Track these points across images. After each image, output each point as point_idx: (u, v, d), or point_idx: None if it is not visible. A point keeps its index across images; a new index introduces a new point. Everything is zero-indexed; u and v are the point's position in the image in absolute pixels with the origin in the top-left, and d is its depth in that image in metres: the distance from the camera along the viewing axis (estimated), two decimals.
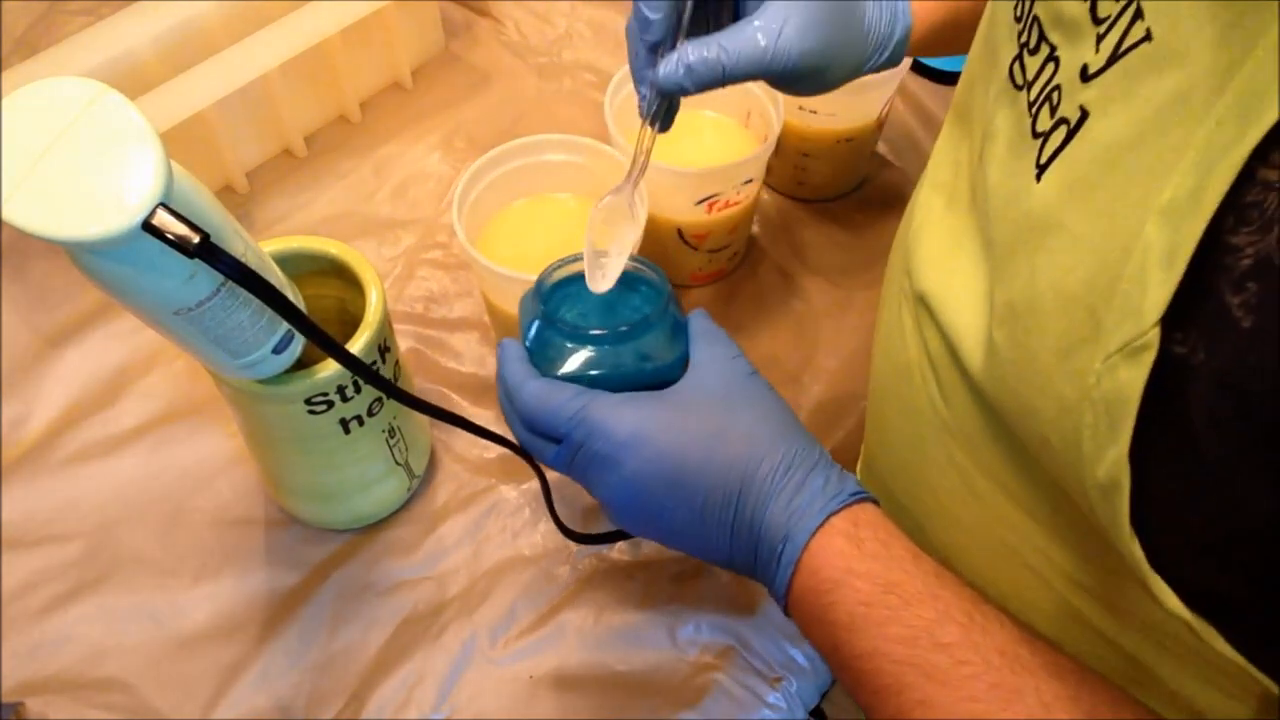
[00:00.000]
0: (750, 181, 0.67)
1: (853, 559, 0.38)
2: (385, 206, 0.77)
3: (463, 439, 0.65)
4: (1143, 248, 0.28)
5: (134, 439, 0.64)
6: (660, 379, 0.43)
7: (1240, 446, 0.27)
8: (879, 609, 0.37)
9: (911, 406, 0.46)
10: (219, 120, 0.71)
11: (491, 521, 0.62)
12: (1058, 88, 0.34)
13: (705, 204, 0.66)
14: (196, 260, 0.35)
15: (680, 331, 0.45)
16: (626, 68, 0.67)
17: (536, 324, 0.45)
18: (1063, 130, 0.33)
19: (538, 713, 0.55)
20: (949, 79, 0.86)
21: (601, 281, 0.45)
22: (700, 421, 0.41)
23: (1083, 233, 0.31)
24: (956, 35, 0.54)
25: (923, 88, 0.86)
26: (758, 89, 0.67)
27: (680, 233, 0.69)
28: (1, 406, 0.65)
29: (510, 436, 0.47)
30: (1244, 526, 0.28)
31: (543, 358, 0.44)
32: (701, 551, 0.42)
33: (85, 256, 0.36)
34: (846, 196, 0.80)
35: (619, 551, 0.60)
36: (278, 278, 0.46)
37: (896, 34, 0.52)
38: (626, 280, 0.47)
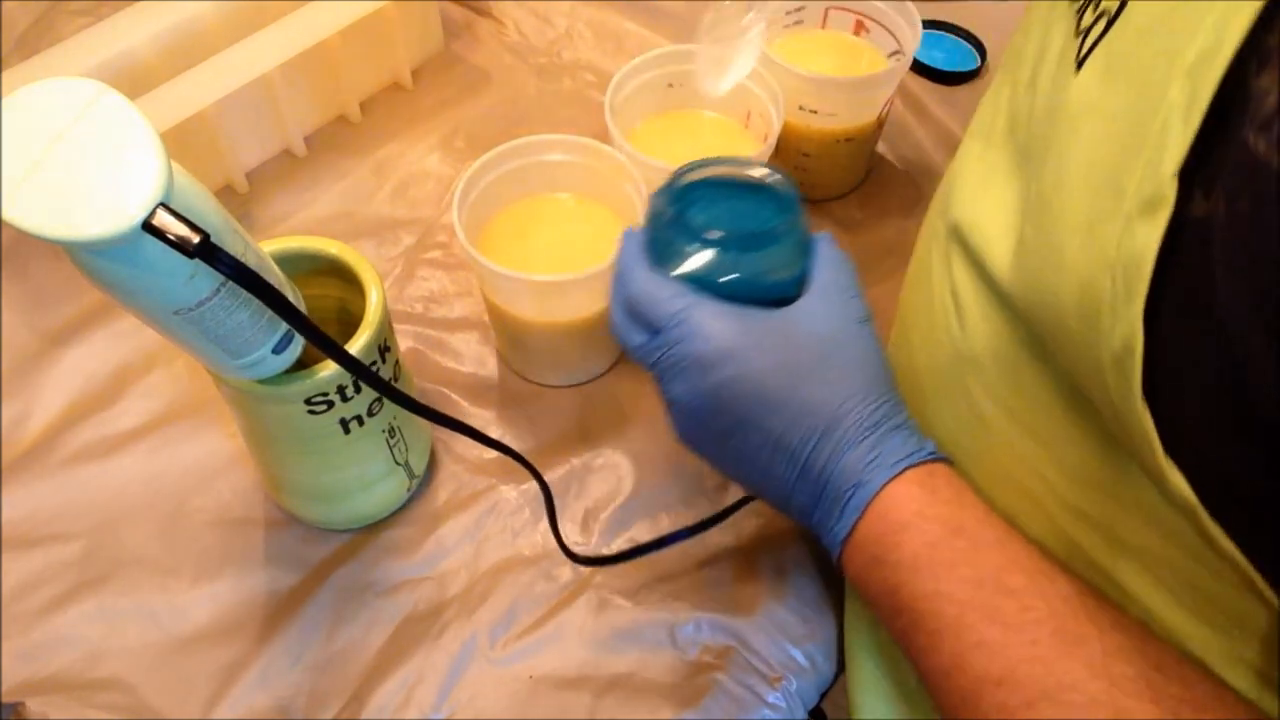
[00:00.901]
0: None
1: (925, 503, 0.38)
2: (385, 206, 0.77)
3: (463, 439, 0.65)
4: (1166, 108, 0.28)
5: (134, 439, 0.64)
6: (776, 294, 0.43)
7: (1259, 310, 0.27)
8: (946, 550, 0.37)
9: (931, 340, 0.46)
10: (219, 120, 0.71)
11: (491, 521, 0.62)
12: None
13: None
14: (196, 260, 0.35)
15: (804, 250, 0.45)
16: (627, 68, 0.68)
17: (663, 219, 0.44)
18: (1102, 22, 0.33)
19: (538, 713, 0.55)
20: (949, 79, 0.86)
21: (718, 83, 0.45)
22: (802, 352, 0.41)
23: (1112, 108, 0.31)
24: None
25: (923, 88, 0.86)
26: (758, 88, 0.67)
27: None
28: (1, 406, 0.65)
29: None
30: (1251, 400, 0.28)
31: (663, 254, 0.44)
32: (759, 482, 0.42)
33: (85, 256, 0.36)
34: (846, 196, 0.80)
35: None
36: (278, 278, 0.46)
37: None
38: (757, 190, 0.46)
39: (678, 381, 0.42)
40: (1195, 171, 0.28)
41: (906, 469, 0.39)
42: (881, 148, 0.82)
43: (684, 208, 0.46)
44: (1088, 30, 0.34)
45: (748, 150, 0.69)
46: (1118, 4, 0.33)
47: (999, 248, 0.39)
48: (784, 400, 0.40)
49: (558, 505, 0.62)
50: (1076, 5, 0.37)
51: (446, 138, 0.81)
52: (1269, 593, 0.31)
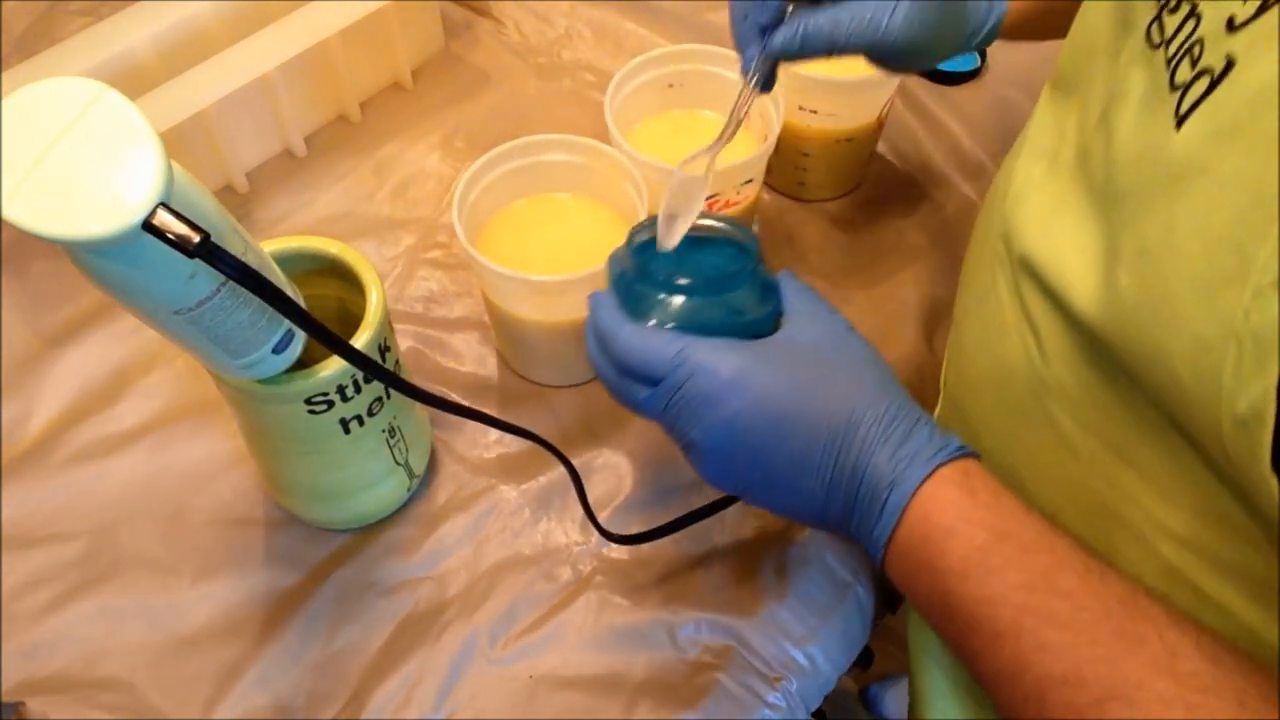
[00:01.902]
0: (750, 181, 0.67)
1: (966, 507, 0.38)
2: (385, 206, 0.77)
3: (463, 439, 0.65)
4: None
5: (134, 439, 0.64)
6: (753, 333, 0.44)
7: None
8: (995, 555, 0.37)
9: (1005, 367, 0.46)
10: (219, 120, 0.71)
11: (491, 521, 0.62)
12: (1200, 41, 0.34)
13: (705, 204, 0.66)
14: (196, 260, 0.35)
15: (771, 290, 0.46)
16: (626, 68, 0.68)
17: (628, 275, 0.45)
18: (1205, 80, 0.33)
19: (538, 713, 0.55)
20: (949, 79, 0.86)
21: (669, 239, 0.46)
22: (804, 367, 0.41)
23: (1230, 175, 0.31)
24: (1051, 21, 0.55)
25: (923, 88, 0.86)
26: None
27: None
28: (1, 406, 0.65)
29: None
30: None
31: (635, 310, 0.44)
32: (793, 503, 0.42)
33: (85, 256, 0.36)
34: (846, 196, 0.80)
35: (619, 552, 0.60)
36: (278, 277, 0.46)
37: (992, 18, 0.53)
38: (714, 241, 0.47)
39: (692, 423, 0.42)
40: None
41: (939, 466, 0.39)
42: (881, 148, 0.82)
43: (647, 260, 0.46)
44: (1186, 86, 0.34)
45: (748, 150, 0.69)
46: (1224, 64, 0.33)
47: (1082, 288, 0.39)
48: (799, 417, 0.40)
49: (558, 505, 0.62)
50: (1164, 54, 0.36)
51: (446, 138, 0.81)
52: None
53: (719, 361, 0.41)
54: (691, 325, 0.43)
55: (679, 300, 0.44)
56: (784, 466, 0.41)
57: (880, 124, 0.76)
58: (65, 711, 0.54)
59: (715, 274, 0.45)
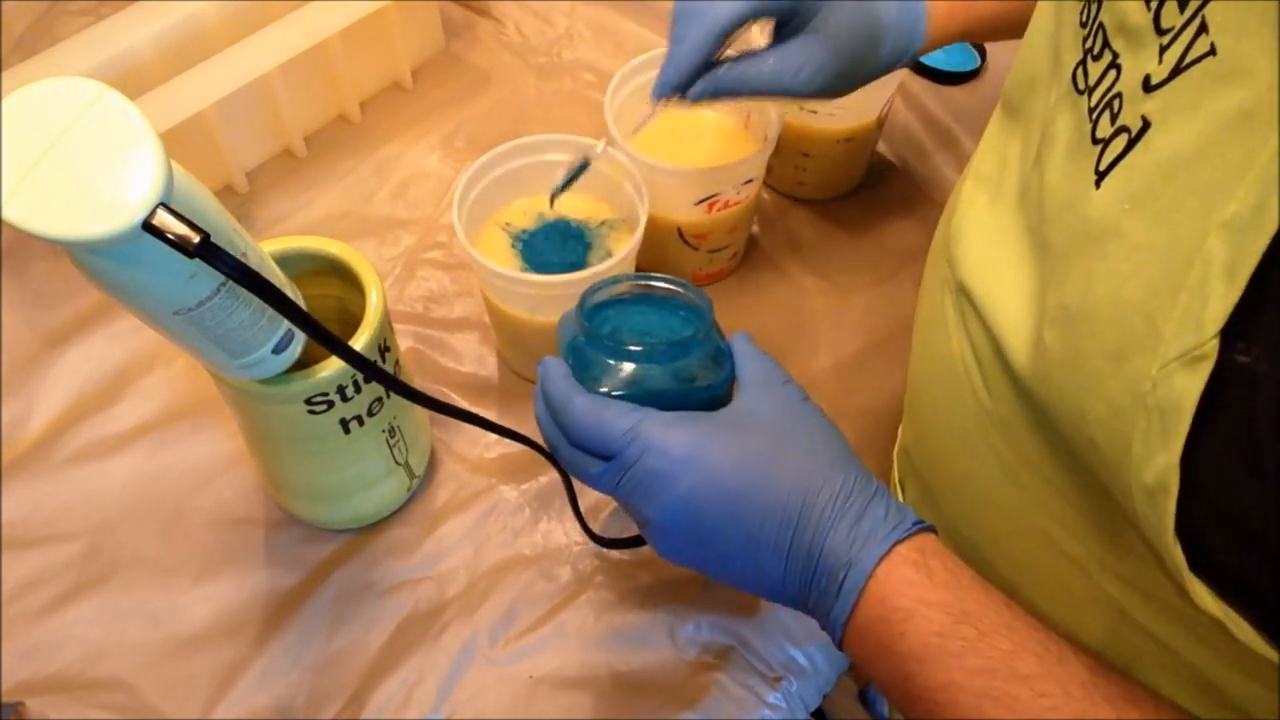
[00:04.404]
0: (750, 181, 0.67)
1: (924, 588, 0.37)
2: (385, 206, 0.77)
3: (463, 439, 0.65)
4: (1204, 260, 0.28)
5: (134, 439, 0.64)
6: (708, 399, 0.43)
7: None
8: (954, 640, 0.36)
9: (953, 395, 0.46)
10: (219, 120, 0.71)
11: (491, 521, 0.62)
12: (1119, 95, 0.34)
13: (705, 204, 0.66)
14: (196, 260, 0.35)
15: (724, 356, 0.45)
16: (626, 68, 0.68)
17: (579, 341, 0.44)
18: (1123, 139, 0.33)
19: (538, 713, 0.55)
20: (949, 79, 0.86)
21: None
22: (758, 442, 0.40)
23: (1142, 242, 0.31)
24: (985, 37, 0.59)
25: (923, 88, 0.86)
26: None
27: (680, 232, 0.69)
28: (1, 406, 0.65)
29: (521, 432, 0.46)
30: None
31: (586, 375, 0.43)
32: (752, 580, 0.41)
33: (85, 256, 0.36)
34: (846, 196, 0.80)
35: (619, 552, 0.60)
36: (278, 277, 0.46)
37: (911, 48, 0.56)
38: (668, 304, 0.46)
39: (645, 502, 0.41)
40: (1235, 320, 0.28)
41: (895, 545, 0.38)
42: (881, 148, 0.82)
43: (599, 325, 0.46)
44: (1106, 141, 0.34)
45: (748, 150, 0.69)
46: (1140, 125, 0.32)
47: (1015, 336, 0.39)
48: (754, 494, 0.39)
49: (558, 505, 0.62)
50: (1087, 102, 0.36)
51: (446, 138, 0.81)
52: None
53: (672, 439, 0.40)
54: (643, 393, 0.42)
55: (630, 368, 0.43)
56: (740, 544, 0.40)
57: (880, 124, 0.76)
58: (65, 711, 0.54)
59: (668, 339, 0.44)
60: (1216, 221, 0.28)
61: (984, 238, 0.44)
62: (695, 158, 0.69)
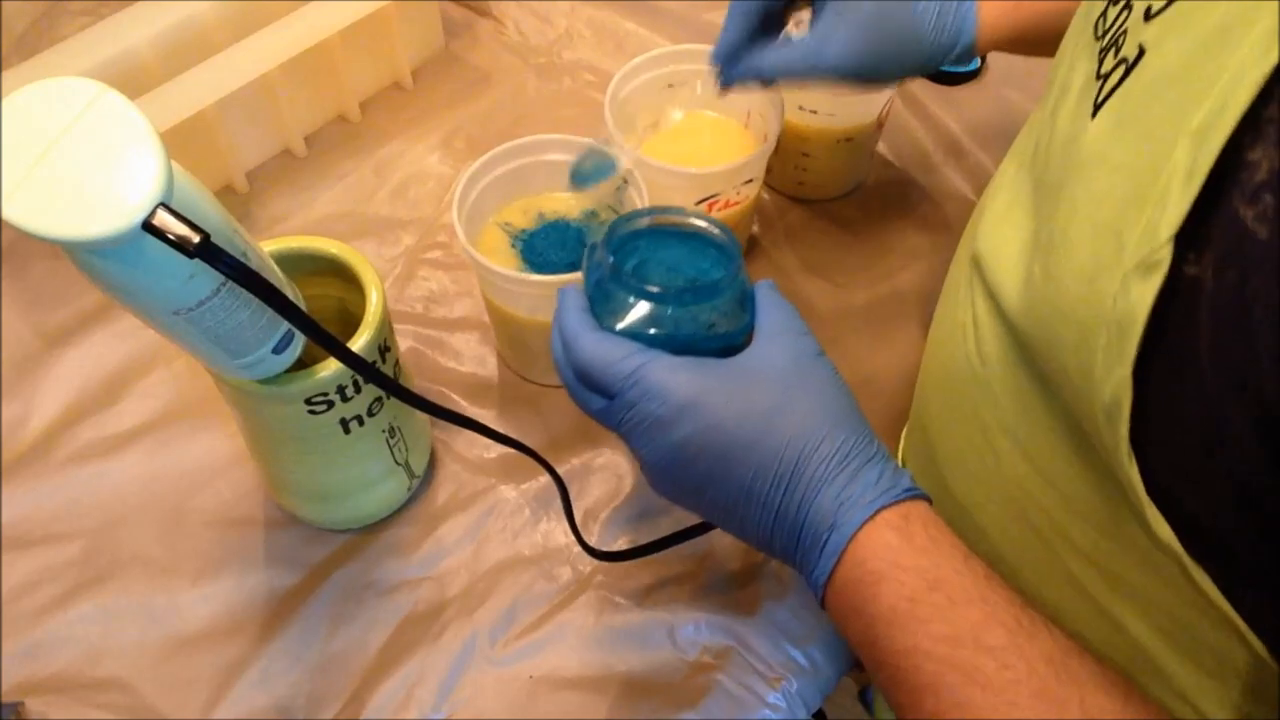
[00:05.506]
0: (750, 181, 0.67)
1: (901, 552, 0.37)
2: (385, 206, 0.77)
3: (463, 439, 0.65)
4: (1170, 169, 0.29)
5: (134, 439, 0.64)
6: (723, 346, 0.42)
7: (1237, 378, 0.27)
8: (924, 605, 0.36)
9: (953, 365, 0.46)
10: (219, 120, 0.71)
11: (491, 521, 0.62)
12: (1125, 31, 0.34)
13: (705, 204, 0.66)
14: (196, 260, 0.35)
15: (748, 301, 0.44)
16: (626, 68, 0.68)
17: (602, 274, 0.43)
18: (1121, 70, 0.33)
19: (538, 713, 0.55)
20: (950, 79, 0.86)
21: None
22: (760, 396, 0.40)
23: (1119, 162, 0.32)
24: (1039, 42, 0.56)
25: (923, 88, 0.86)
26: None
27: None
28: (1, 406, 0.65)
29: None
30: (1233, 459, 0.28)
31: (604, 309, 0.43)
32: (739, 529, 0.41)
33: (85, 256, 0.36)
34: (846, 196, 0.80)
35: None
36: (278, 278, 0.46)
37: (961, 41, 0.56)
38: (697, 242, 0.45)
39: (642, 442, 0.41)
40: (1190, 234, 0.28)
41: (880, 510, 0.38)
42: (881, 148, 0.82)
43: (623, 259, 0.45)
44: (1107, 75, 0.34)
45: (748, 150, 0.69)
46: (1136, 53, 0.33)
47: (1010, 280, 0.39)
48: (749, 449, 0.39)
49: (558, 505, 0.62)
50: (1100, 44, 0.37)
51: (446, 138, 0.81)
52: (1252, 637, 0.32)
53: (674, 385, 0.40)
54: (658, 335, 0.42)
55: (648, 307, 0.42)
56: (731, 495, 0.40)
57: (880, 124, 0.76)
58: (65, 711, 0.54)
59: (692, 281, 0.43)
60: (1186, 131, 0.29)
61: (1002, 203, 0.44)
62: (695, 158, 0.69)
